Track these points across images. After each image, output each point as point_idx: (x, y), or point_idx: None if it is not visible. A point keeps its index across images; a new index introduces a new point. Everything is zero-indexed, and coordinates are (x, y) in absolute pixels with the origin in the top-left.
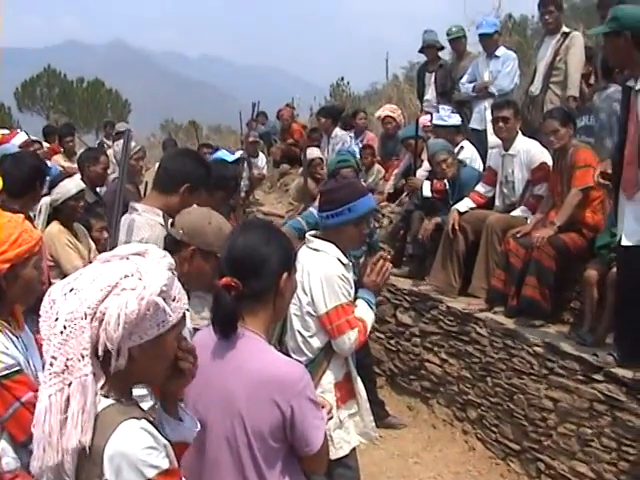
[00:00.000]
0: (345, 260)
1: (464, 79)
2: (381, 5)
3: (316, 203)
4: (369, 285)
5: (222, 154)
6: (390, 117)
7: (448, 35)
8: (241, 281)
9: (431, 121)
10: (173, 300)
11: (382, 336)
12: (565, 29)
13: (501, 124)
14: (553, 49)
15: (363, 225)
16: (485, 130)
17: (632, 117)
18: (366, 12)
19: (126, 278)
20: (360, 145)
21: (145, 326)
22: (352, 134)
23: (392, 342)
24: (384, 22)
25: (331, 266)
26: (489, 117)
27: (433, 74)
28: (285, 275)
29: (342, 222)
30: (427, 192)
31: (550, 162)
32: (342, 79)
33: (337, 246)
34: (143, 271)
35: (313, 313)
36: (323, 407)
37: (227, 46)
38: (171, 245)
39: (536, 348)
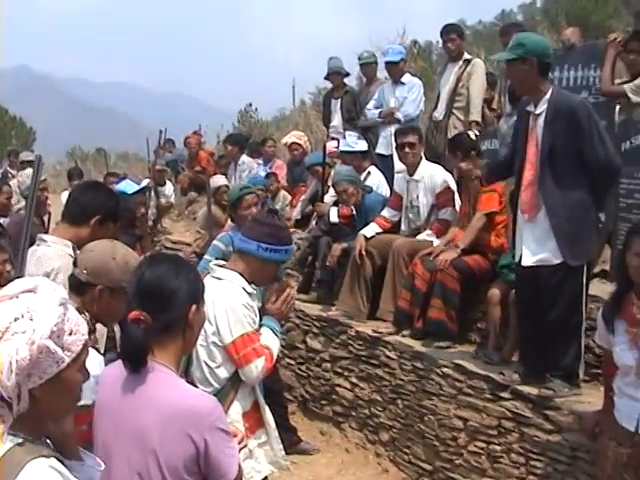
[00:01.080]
0: (250, 289)
1: (370, 105)
2: (288, 32)
3: (223, 229)
4: (274, 313)
5: (124, 186)
6: (297, 144)
7: (359, 60)
8: (150, 314)
9: (338, 147)
10: (70, 334)
11: (293, 362)
12: (467, 56)
13: (407, 150)
14: (456, 75)
15: (279, 268)
16: (391, 155)
17: (532, 140)
18: (274, 39)
19: (16, 321)
20: (266, 172)
21: (42, 367)
22: (260, 161)
23: (303, 368)
24: (291, 48)
25: (236, 295)
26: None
27: (339, 100)
28: (194, 307)
29: (275, 259)
30: (334, 218)
31: (454, 186)
32: (250, 105)
33: (242, 275)
34: (33, 311)
35: (219, 343)
36: (235, 436)
37: (135, 72)
38: (76, 286)
39: (444, 369)
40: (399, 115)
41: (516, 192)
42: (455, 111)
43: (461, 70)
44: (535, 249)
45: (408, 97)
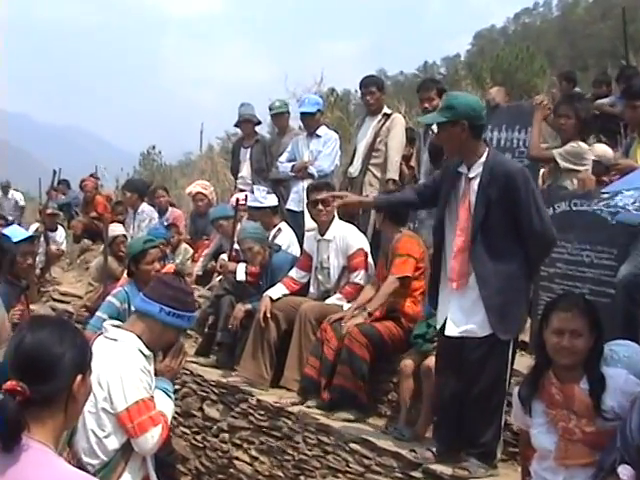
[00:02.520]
0: (147, 351)
1: (283, 157)
2: (200, 71)
3: (118, 283)
4: (164, 371)
5: (11, 231)
6: (201, 194)
7: (270, 110)
8: (28, 385)
9: (245, 201)
10: None
11: (188, 431)
12: (386, 110)
13: (319, 207)
14: (374, 130)
15: (179, 335)
16: (302, 212)
17: (463, 204)
18: (184, 78)
19: None
20: (165, 223)
21: None
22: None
23: (198, 438)
24: (202, 89)
25: (131, 358)
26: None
27: (249, 150)
28: (79, 377)
29: (176, 325)
30: (241, 276)
31: (367, 248)
32: (153, 148)
33: (140, 338)
34: None
35: (110, 410)
36: None
37: (28, 102)
38: None
39: (352, 444)
40: (312, 170)
41: (436, 256)
42: (372, 168)
43: (380, 125)
44: (461, 319)
45: (323, 151)
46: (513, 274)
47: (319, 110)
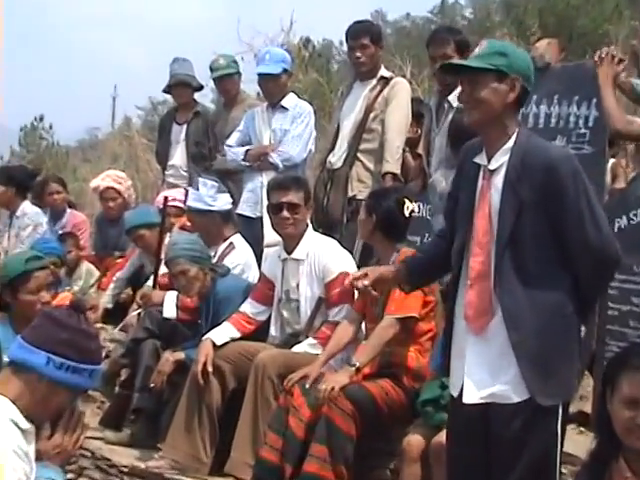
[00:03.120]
0: (25, 424)
1: (232, 139)
2: (111, 6)
3: None
4: (51, 453)
5: None
6: (113, 189)
7: (212, 70)
8: None
9: (185, 201)
10: None
11: None
12: (384, 72)
13: (285, 213)
14: (365, 101)
15: (75, 398)
16: (260, 219)
17: (482, 211)
18: (86, 17)
19: None
20: (60, 232)
21: None
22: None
23: None
24: (115, 34)
25: (3, 435)
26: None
27: (184, 127)
28: None
29: (72, 384)
30: (170, 311)
31: (354, 271)
32: (41, 119)
33: (14, 403)
34: None
35: None
36: None
37: None
38: None
39: None
40: (275, 158)
41: (453, 287)
42: (362, 156)
43: (374, 94)
44: (484, 378)
45: (291, 130)
46: (558, 309)
47: (286, 71)
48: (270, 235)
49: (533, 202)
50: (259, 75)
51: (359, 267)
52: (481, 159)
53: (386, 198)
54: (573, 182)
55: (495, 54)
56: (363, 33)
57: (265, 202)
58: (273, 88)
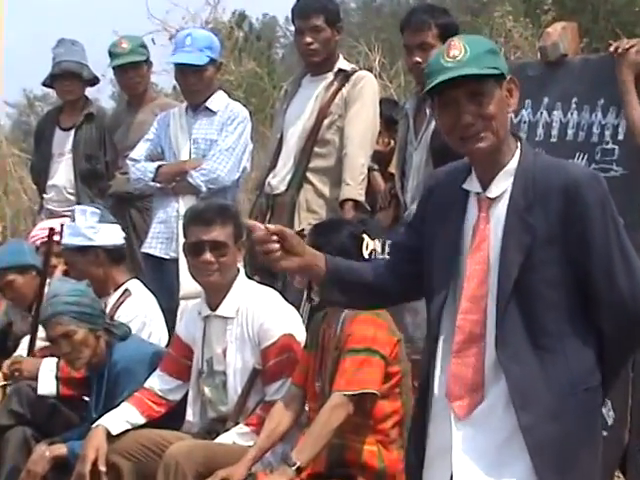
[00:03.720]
0: None
1: (138, 151)
2: None
3: None
4: None
5: None
6: None
7: (112, 57)
8: None
9: (60, 235)
10: None
11: None
12: (343, 64)
13: (208, 256)
14: (319, 103)
15: None
16: (176, 260)
17: (478, 249)
18: None
19: None
20: None
21: None
22: None
23: None
24: None
25: None
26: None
27: (71, 135)
28: None
29: None
30: (47, 386)
31: (301, 333)
32: None
33: None
34: None
35: None
36: None
37: None
38: None
39: None
40: (197, 178)
41: (429, 356)
42: (312, 177)
43: (330, 93)
44: (480, 478)
45: (219, 142)
46: (580, 381)
47: (213, 61)
48: (188, 283)
49: (548, 238)
50: (176, 66)
51: (308, 328)
52: (472, 185)
53: (337, 232)
54: (602, 213)
55: (487, 54)
56: (315, 11)
57: (182, 238)
58: (195, 84)
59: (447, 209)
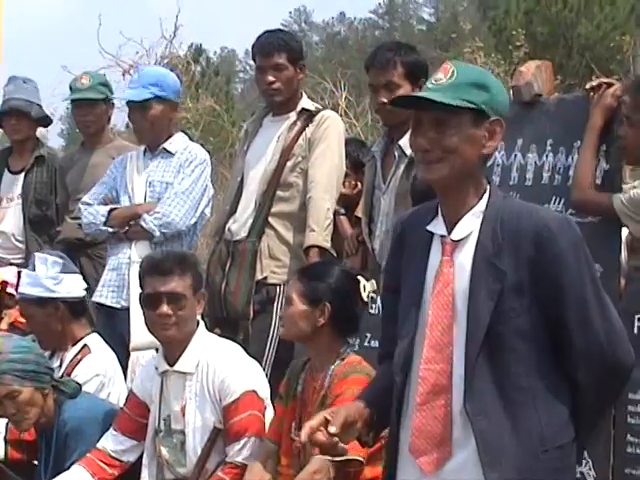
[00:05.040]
0: None
1: (91, 195)
2: None
3: None
4: None
5: None
6: None
7: (72, 90)
8: None
9: (17, 286)
10: None
11: None
12: (307, 104)
13: (166, 309)
14: (281, 145)
15: None
16: (127, 310)
17: (442, 290)
18: None
19: None
20: None
21: None
22: None
23: None
24: None
25: None
26: (137, 286)
27: (20, 178)
28: None
29: None
30: None
31: (265, 390)
32: None
33: None
34: None
35: None
36: None
37: None
38: None
39: None
40: (150, 222)
41: (397, 409)
42: (275, 222)
43: (293, 134)
44: None
45: (175, 184)
46: (552, 437)
47: (160, 98)
48: (139, 335)
49: (518, 286)
50: (128, 104)
51: (271, 382)
52: (437, 227)
53: (331, 276)
54: (575, 258)
55: (471, 86)
56: (277, 49)
57: (133, 286)
58: (139, 121)
59: (413, 252)
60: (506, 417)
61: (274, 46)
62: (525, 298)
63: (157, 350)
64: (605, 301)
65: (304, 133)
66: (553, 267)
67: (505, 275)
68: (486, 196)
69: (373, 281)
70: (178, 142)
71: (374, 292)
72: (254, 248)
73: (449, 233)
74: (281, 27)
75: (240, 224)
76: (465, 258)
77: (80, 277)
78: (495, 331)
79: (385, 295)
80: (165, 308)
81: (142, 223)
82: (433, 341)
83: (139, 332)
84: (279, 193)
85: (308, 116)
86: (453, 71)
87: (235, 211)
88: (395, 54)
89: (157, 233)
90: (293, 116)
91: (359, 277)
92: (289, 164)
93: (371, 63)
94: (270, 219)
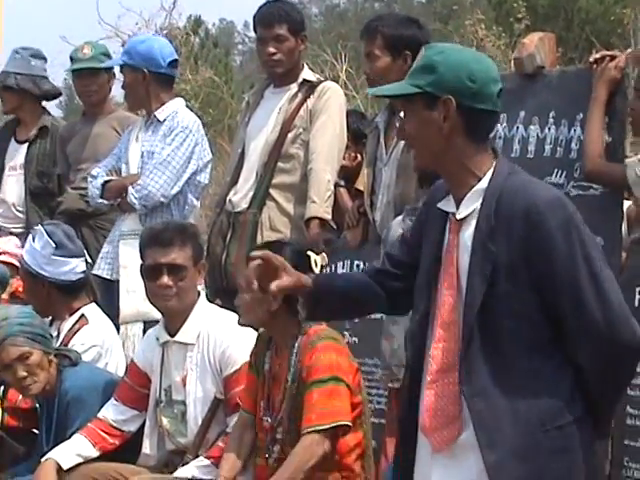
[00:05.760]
0: None
1: (98, 167)
2: None
3: None
4: None
5: None
6: None
7: (72, 61)
8: None
9: (15, 256)
10: None
11: None
12: (309, 75)
13: (166, 280)
14: (282, 116)
15: None
16: (117, 282)
17: (449, 270)
18: None
19: None
20: None
21: None
22: None
23: None
24: None
25: None
26: (129, 259)
27: (23, 147)
28: None
29: None
30: None
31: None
32: None
33: None
34: None
35: None
36: None
37: None
38: None
39: None
40: (131, 196)
41: (410, 385)
42: (276, 194)
43: (295, 105)
44: None
45: (155, 154)
46: (551, 417)
47: (130, 66)
48: (127, 307)
49: (511, 267)
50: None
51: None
52: (447, 204)
53: (280, 252)
54: (565, 238)
55: (421, 69)
56: (278, 19)
57: (122, 258)
58: (134, 94)
59: (431, 228)
60: (504, 398)
61: (275, 17)
62: (519, 280)
63: (145, 323)
64: (602, 281)
65: (305, 104)
66: (542, 248)
67: (496, 256)
68: (489, 173)
69: (324, 254)
70: (169, 110)
71: (324, 265)
72: (255, 219)
73: (456, 210)
74: None
75: (241, 195)
76: (468, 237)
77: (77, 261)
78: (490, 312)
79: (400, 245)
80: (165, 279)
81: (129, 197)
82: (441, 320)
83: (127, 304)
84: (280, 165)
85: (309, 87)
86: (422, 56)
87: (236, 182)
88: (378, 24)
89: (137, 206)
90: (294, 87)
91: (309, 253)
92: (290, 135)
93: (361, 32)
94: (271, 190)
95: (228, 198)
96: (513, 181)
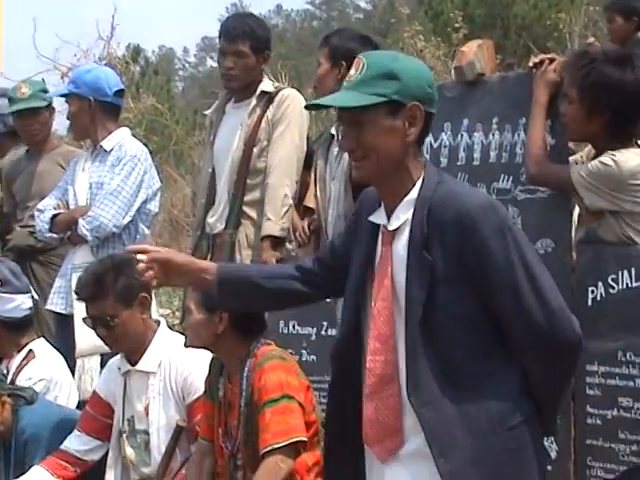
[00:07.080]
0: None
1: (45, 201)
2: None
3: None
4: None
5: None
6: None
7: (11, 102)
8: None
9: None
10: None
11: None
12: (266, 85)
13: (101, 331)
14: (245, 131)
15: None
16: (72, 316)
17: (384, 282)
18: None
19: None
20: None
21: None
22: None
23: None
24: None
25: None
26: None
27: None
28: None
29: None
30: None
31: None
32: None
33: None
34: None
35: None
36: None
37: None
38: None
39: None
40: (81, 228)
41: (344, 396)
42: (249, 211)
43: (256, 118)
44: None
45: (105, 185)
46: (501, 419)
47: (77, 95)
48: (83, 341)
49: (448, 275)
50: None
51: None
52: (378, 216)
53: None
54: (500, 242)
55: (381, 77)
56: (242, 35)
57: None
58: (74, 122)
59: (361, 239)
60: (453, 405)
61: (239, 33)
62: (457, 287)
63: (102, 355)
64: (541, 283)
65: (266, 116)
66: (478, 256)
67: (433, 265)
68: (419, 183)
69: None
70: (115, 139)
71: None
72: (232, 240)
73: (387, 221)
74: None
75: (217, 216)
76: (402, 248)
77: (23, 297)
78: (432, 321)
79: (329, 246)
80: (100, 330)
81: (78, 229)
82: (376, 332)
83: (83, 338)
84: (249, 181)
85: (268, 98)
86: (363, 65)
87: (212, 203)
88: (332, 36)
89: (89, 237)
90: (253, 101)
91: None
92: (255, 150)
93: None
94: (245, 208)
95: (206, 221)
96: (442, 190)
